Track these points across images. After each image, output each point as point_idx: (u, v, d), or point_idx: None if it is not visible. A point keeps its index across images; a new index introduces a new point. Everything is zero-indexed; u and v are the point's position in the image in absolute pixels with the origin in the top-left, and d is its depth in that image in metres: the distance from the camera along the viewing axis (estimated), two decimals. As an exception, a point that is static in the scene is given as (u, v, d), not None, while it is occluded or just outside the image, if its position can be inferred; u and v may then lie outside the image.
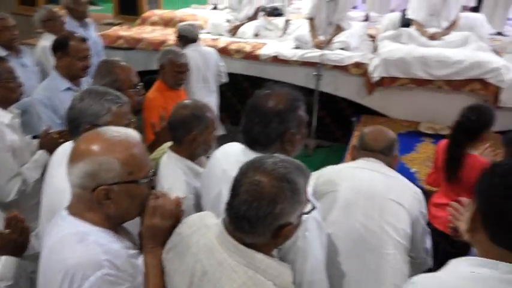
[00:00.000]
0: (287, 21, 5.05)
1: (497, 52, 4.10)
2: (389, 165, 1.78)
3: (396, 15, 4.63)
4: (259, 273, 1.02)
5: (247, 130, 1.36)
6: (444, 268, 1.03)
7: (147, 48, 4.72)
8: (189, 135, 1.67)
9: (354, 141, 3.61)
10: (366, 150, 1.79)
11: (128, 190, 1.10)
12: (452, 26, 4.17)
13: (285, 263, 1.11)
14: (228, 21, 4.92)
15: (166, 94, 2.82)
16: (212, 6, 6.48)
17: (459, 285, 0.95)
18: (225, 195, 1.09)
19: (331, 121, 4.52)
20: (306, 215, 1.12)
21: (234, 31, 4.82)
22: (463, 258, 1.02)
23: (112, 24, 5.53)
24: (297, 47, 4.30)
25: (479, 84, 3.72)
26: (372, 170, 1.72)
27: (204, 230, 1.14)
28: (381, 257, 1.59)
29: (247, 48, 4.45)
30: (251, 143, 1.37)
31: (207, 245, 1.10)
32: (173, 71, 2.83)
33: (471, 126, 2.23)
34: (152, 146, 2.04)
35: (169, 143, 1.82)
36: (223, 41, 4.65)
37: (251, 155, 1.29)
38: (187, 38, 3.53)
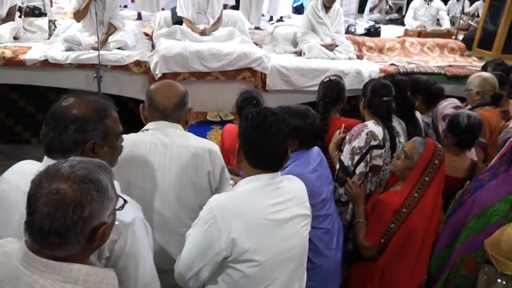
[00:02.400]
0: (52, 22, 4.58)
1: (257, 44, 4.74)
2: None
3: (167, 13, 4.79)
4: (79, 285, 0.94)
5: (44, 136, 1.25)
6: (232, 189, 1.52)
7: None
8: None
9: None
10: (156, 110, 1.71)
11: None
12: (217, 23, 4.58)
13: (107, 268, 1.05)
14: (-26, 23, 4.15)
15: None
16: None
17: (242, 198, 1.41)
18: None
19: (121, 122, 4.38)
20: (132, 217, 1.18)
21: (-16, 34, 4.09)
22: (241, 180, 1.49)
23: None
24: (69, 49, 3.96)
25: (249, 73, 4.19)
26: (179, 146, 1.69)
27: (4, 258, 0.99)
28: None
29: (8, 54, 3.86)
30: (48, 150, 1.25)
31: (10, 273, 0.96)
32: None
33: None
34: None
35: None
36: (-28, 46, 3.90)
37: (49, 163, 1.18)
38: None
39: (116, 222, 1.12)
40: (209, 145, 1.77)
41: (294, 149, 1.87)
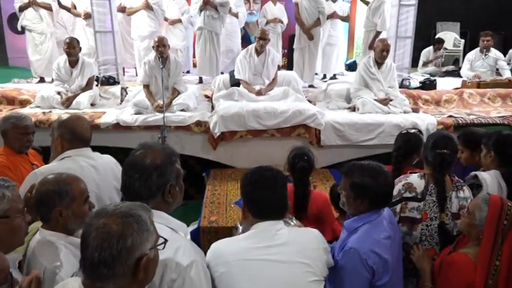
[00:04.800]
0: (124, 89, 5.07)
1: (310, 101, 4.89)
2: None
3: (226, 77, 5.11)
4: None
5: (128, 186, 1.42)
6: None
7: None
8: (53, 212, 1.59)
9: (208, 195, 3.72)
10: (81, 140, 2.17)
11: None
12: (273, 83, 4.81)
13: None
14: (59, 93, 4.69)
15: (13, 159, 2.70)
16: (37, 79, 6.12)
17: (242, 244, 1.56)
18: None
19: (183, 180, 4.58)
20: (190, 260, 1.29)
21: (67, 103, 4.61)
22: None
23: None
24: (138, 113, 4.33)
25: (303, 129, 4.31)
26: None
27: None
28: None
29: (85, 119, 4.29)
30: (133, 198, 1.40)
31: None
32: (18, 134, 2.72)
33: (307, 167, 2.53)
34: None
35: (38, 223, 1.67)
36: (57, 113, 4.39)
37: None
38: None
39: (175, 262, 1.27)
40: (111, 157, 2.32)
41: (363, 208, 1.79)
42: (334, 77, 6.62)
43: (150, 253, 1.09)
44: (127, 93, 4.99)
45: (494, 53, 6.15)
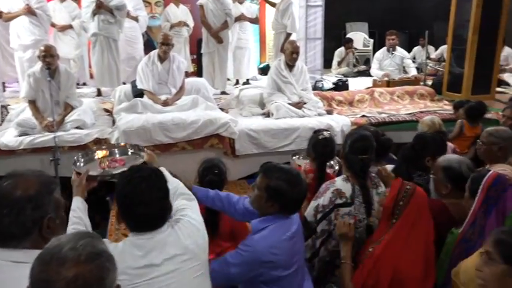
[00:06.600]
0: (4, 107, 4.51)
1: (223, 109, 4.68)
2: None
3: (127, 87, 4.71)
4: None
5: None
6: None
7: None
8: None
9: (112, 221, 3.38)
10: None
11: None
12: (180, 92, 4.51)
13: None
14: None
15: None
16: None
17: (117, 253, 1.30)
18: None
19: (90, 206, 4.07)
20: None
21: None
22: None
23: None
24: (23, 134, 3.83)
25: (216, 139, 4.09)
26: None
27: None
28: None
29: (-48, 146, 3.61)
30: (2, 240, 1.21)
31: None
32: None
33: (216, 180, 2.40)
34: None
35: None
36: None
37: (2, 253, 1.19)
38: None
39: None
40: None
41: (272, 211, 1.78)
42: (247, 82, 6.47)
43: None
44: (8, 112, 4.44)
45: (401, 51, 6.42)
